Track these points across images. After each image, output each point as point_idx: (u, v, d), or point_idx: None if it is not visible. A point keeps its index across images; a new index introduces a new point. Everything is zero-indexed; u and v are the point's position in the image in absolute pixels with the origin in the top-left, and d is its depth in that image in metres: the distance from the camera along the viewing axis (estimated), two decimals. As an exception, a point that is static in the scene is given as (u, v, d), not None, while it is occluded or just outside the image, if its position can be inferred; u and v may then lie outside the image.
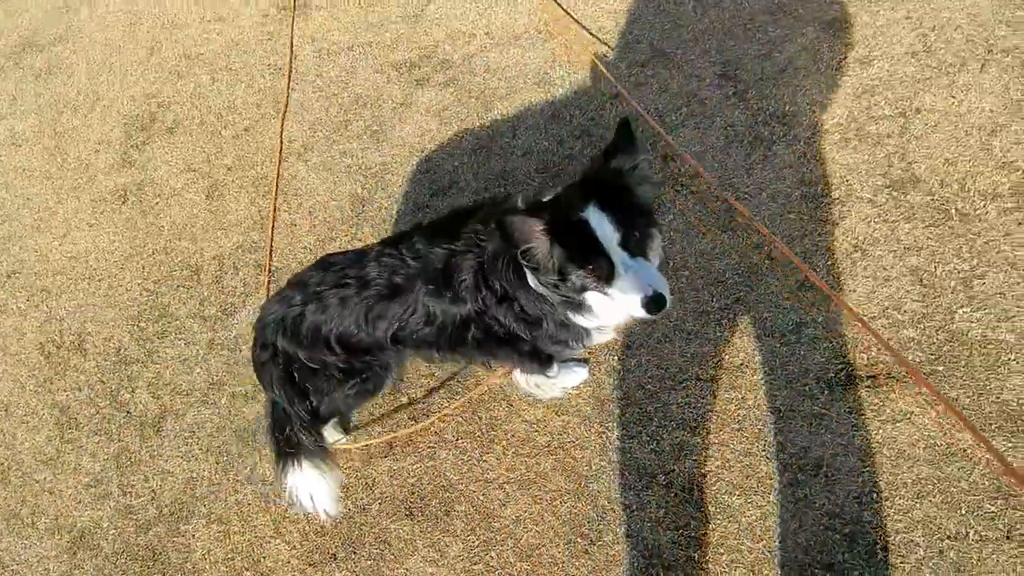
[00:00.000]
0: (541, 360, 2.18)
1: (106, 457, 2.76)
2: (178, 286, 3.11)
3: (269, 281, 2.98)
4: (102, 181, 3.59)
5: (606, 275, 1.64)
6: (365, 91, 3.48)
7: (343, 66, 3.61)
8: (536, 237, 1.67)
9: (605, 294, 1.70)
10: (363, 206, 3.11)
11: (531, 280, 1.82)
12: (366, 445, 2.54)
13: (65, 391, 2.96)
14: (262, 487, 2.55)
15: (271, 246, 3.09)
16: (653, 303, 1.58)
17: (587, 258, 1.64)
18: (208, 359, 2.88)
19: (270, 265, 3.04)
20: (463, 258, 1.93)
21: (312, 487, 2.19)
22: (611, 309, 1.78)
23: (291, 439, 2.16)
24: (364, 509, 2.44)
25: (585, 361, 2.50)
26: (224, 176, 3.40)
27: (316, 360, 2.07)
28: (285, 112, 3.51)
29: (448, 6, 3.66)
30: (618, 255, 1.61)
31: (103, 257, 3.32)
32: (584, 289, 1.72)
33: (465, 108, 3.27)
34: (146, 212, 3.40)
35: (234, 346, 2.88)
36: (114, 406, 2.87)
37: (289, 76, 3.65)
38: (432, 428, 2.52)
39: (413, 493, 2.43)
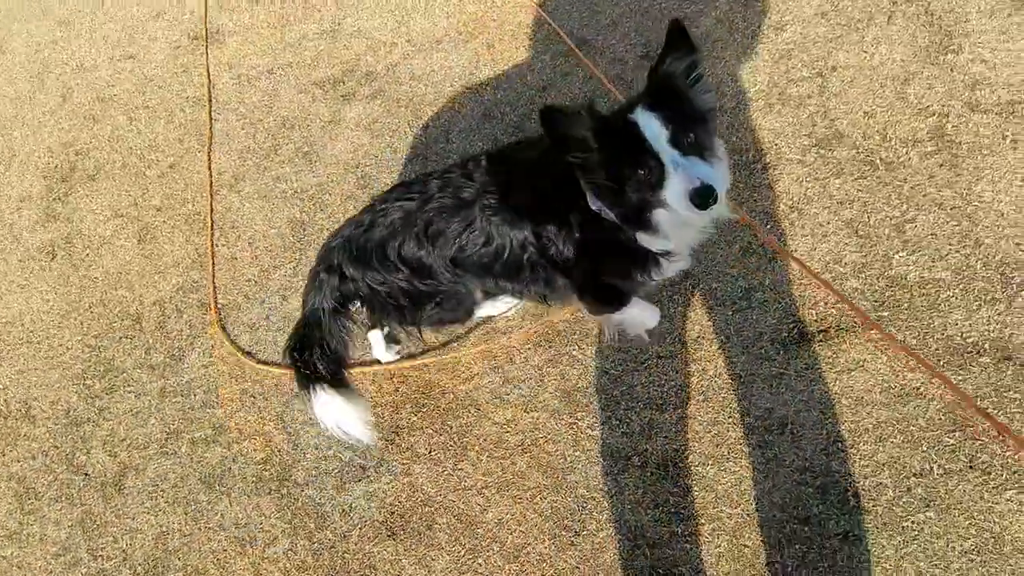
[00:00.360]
0: (610, 296, 2.07)
1: (71, 523, 2.64)
2: (121, 337, 3.00)
3: (218, 320, 2.90)
4: (28, 239, 3.43)
5: (657, 177, 1.54)
6: (291, 113, 3.40)
7: (265, 90, 3.52)
8: (582, 133, 1.58)
9: (660, 202, 1.58)
10: (304, 230, 3.04)
11: (590, 200, 1.72)
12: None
13: (19, 461, 2.82)
14: (236, 531, 2.48)
15: (213, 283, 3.00)
16: (699, 195, 1.47)
17: (636, 160, 1.55)
18: (162, 408, 2.78)
19: (216, 301, 2.95)
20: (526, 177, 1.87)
21: (338, 415, 2.08)
22: (676, 224, 1.66)
23: (307, 362, 2.07)
24: (344, 536, 2.39)
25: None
26: (154, 218, 3.28)
27: (384, 283, 2.02)
28: (210, 144, 3.42)
29: (364, 17, 3.61)
30: (667, 153, 1.52)
31: (39, 318, 3.17)
32: (642, 203, 1.61)
33: (395, 118, 3.23)
34: (77, 265, 3.26)
35: (187, 391, 2.79)
36: (71, 470, 2.75)
37: (210, 106, 3.54)
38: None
39: (392, 513, 2.40)
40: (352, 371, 2.53)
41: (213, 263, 3.05)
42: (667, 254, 1.84)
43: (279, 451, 2.60)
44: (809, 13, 2.96)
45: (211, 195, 3.25)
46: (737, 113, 2.81)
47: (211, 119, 3.50)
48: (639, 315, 2.30)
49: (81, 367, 2.97)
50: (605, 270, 1.93)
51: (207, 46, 3.78)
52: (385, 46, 3.47)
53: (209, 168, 3.34)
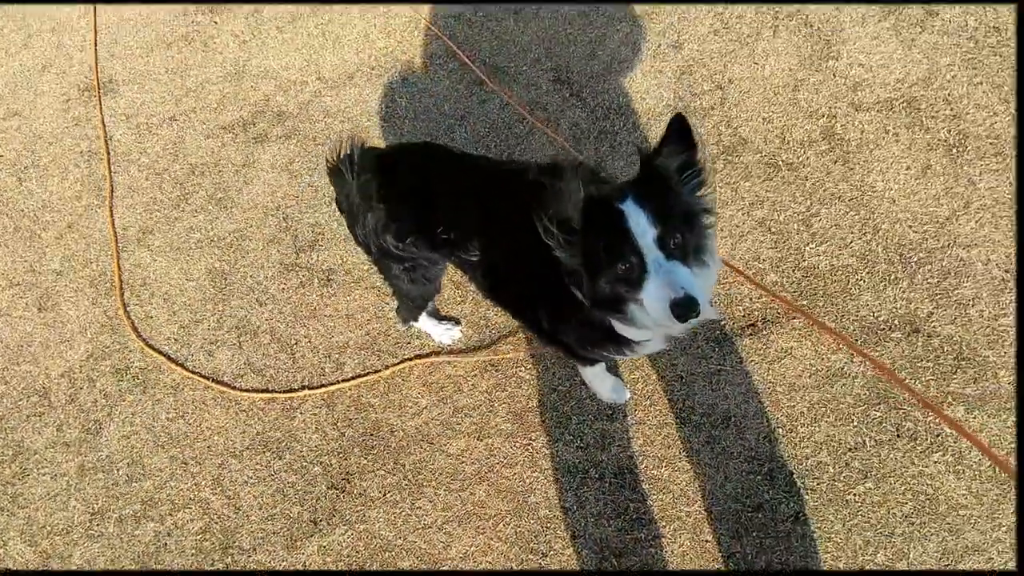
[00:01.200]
0: (583, 358, 2.05)
1: (-17, 632, 2.36)
2: (28, 416, 2.73)
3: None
4: (-97, 320, 3.08)
5: (637, 276, 1.43)
6: (199, 160, 3.26)
7: (168, 138, 3.36)
8: (569, 212, 1.47)
9: (635, 301, 1.48)
10: (225, 279, 2.90)
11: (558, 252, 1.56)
12: (290, 395, 2.61)
13: (-91, 573, 2.49)
14: (180, 610, 2.28)
15: (141, 346, 2.80)
16: (680, 307, 1.36)
17: (618, 254, 1.44)
18: (82, 488, 2.54)
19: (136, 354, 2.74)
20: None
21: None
22: (649, 319, 1.52)
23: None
24: (301, 597, 2.26)
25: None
26: (54, 283, 3.03)
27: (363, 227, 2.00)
28: (111, 198, 3.21)
29: (271, 57, 3.53)
30: (652, 254, 1.41)
31: (-76, 406, 2.83)
32: (617, 296, 1.50)
33: (314, 157, 3.16)
34: (-32, 343, 2.95)
35: (108, 466, 2.56)
36: (-20, 571, 2.46)
37: (108, 159, 3.34)
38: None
39: (351, 565, 2.29)
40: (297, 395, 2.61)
41: (133, 325, 2.85)
42: (639, 341, 1.77)
43: (219, 517, 2.43)
44: (704, 31, 3.16)
45: (116, 253, 3.04)
46: (649, 127, 2.95)
47: (110, 172, 3.30)
48: (601, 385, 2.37)
49: (-19, 454, 2.68)
50: (571, 332, 1.86)
51: (100, 97, 3.57)
52: (295, 85, 3.41)
53: (112, 224, 3.13)
